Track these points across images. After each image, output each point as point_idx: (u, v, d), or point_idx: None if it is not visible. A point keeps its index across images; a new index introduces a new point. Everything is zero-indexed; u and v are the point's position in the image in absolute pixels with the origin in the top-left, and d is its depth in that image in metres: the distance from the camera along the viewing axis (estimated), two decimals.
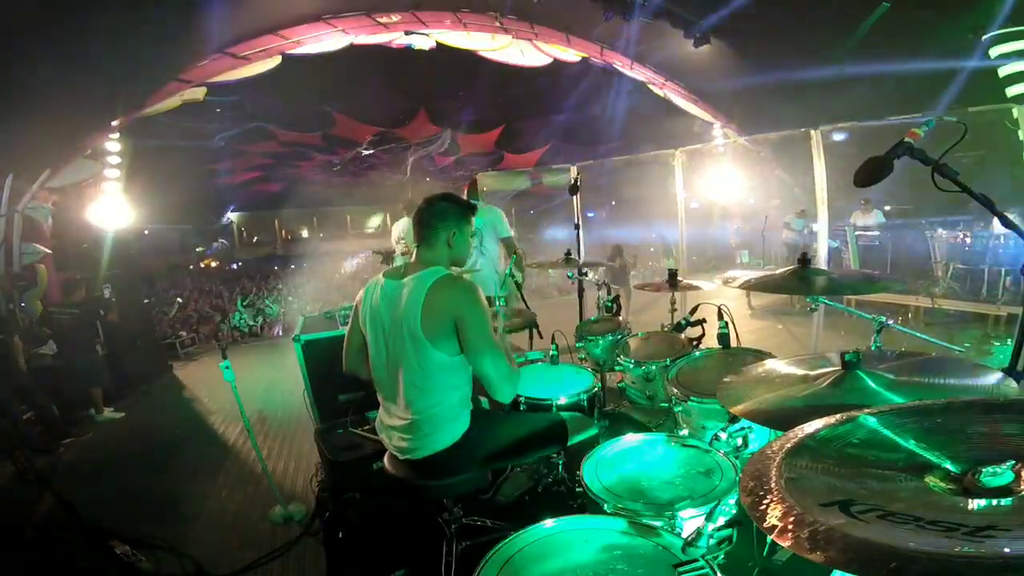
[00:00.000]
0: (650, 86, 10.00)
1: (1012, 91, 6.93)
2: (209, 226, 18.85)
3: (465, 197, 4.17)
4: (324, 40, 7.64)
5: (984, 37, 6.94)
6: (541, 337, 3.26)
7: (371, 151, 13.04)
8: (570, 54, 9.25)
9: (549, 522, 1.36)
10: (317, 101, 10.44)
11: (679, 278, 2.90)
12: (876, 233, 7.68)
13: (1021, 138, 5.20)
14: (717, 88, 9.06)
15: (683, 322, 2.76)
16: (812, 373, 1.42)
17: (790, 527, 0.66)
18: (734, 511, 1.37)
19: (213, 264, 18.08)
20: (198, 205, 15.96)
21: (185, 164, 11.02)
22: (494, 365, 1.75)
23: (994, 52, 7.00)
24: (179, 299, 10.62)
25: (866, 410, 0.96)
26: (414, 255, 1.92)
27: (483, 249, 4.07)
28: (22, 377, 4.71)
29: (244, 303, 10.53)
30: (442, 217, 1.89)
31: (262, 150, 12.14)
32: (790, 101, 7.55)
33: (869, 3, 6.63)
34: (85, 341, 5.44)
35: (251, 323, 9.78)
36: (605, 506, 1.49)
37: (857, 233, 7.60)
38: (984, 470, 0.70)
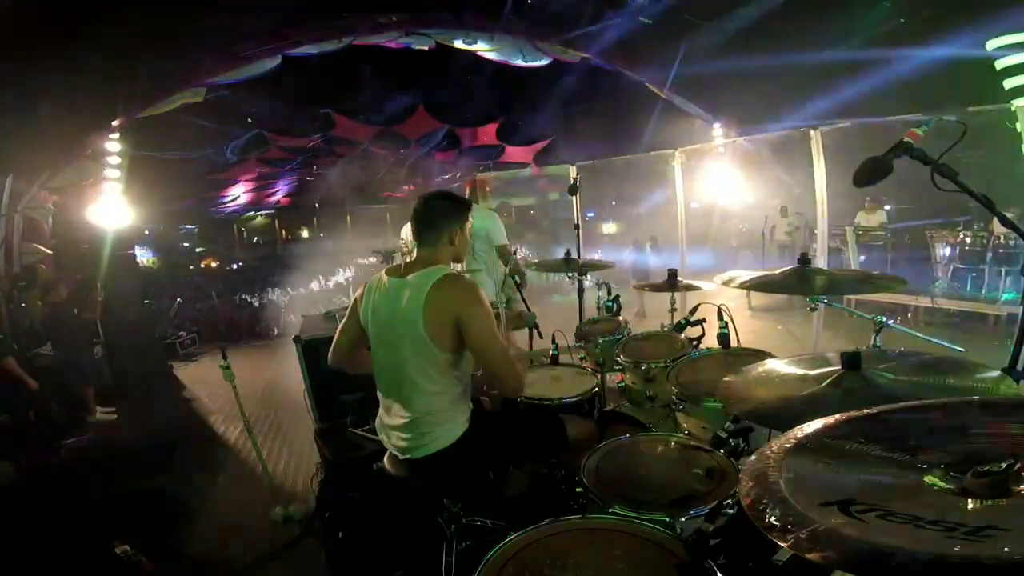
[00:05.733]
0: (650, 85, 9.99)
1: (1009, 83, 6.89)
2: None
3: (467, 195, 4.16)
4: (324, 40, 7.63)
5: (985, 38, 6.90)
6: (541, 337, 3.26)
7: (373, 146, 13.04)
8: (570, 54, 9.25)
9: (549, 522, 1.36)
10: (316, 106, 10.42)
11: (679, 278, 2.90)
12: (880, 233, 7.67)
13: (1021, 137, 5.19)
14: (717, 87, 9.03)
15: (683, 322, 2.76)
16: (812, 373, 1.42)
17: (790, 527, 0.66)
18: (734, 511, 1.36)
19: (213, 264, 18.04)
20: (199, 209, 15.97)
21: (189, 169, 10.98)
22: (501, 361, 1.75)
23: (991, 45, 6.96)
24: (179, 299, 10.60)
25: (866, 410, 0.96)
26: (414, 253, 1.91)
27: (476, 254, 3.99)
28: (29, 391, 4.70)
29: None
30: (443, 215, 1.88)
31: (260, 156, 12.16)
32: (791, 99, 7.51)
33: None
34: (77, 341, 5.42)
35: None
36: (605, 506, 1.49)
37: (859, 233, 7.59)
38: (983, 470, 0.70)
